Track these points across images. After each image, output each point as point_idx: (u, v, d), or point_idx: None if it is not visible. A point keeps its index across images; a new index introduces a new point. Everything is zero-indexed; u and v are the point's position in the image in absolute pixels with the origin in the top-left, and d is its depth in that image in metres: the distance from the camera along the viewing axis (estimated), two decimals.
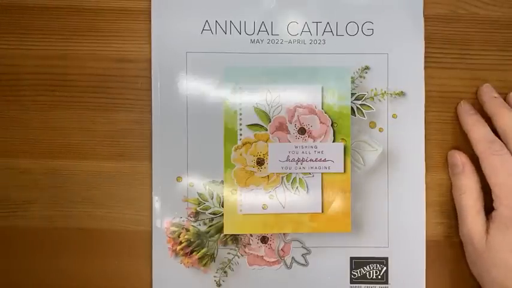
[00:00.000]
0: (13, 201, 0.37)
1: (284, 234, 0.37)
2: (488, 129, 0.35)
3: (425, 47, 0.37)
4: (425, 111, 0.37)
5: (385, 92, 0.37)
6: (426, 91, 0.37)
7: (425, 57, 0.37)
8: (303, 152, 0.36)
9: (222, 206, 0.36)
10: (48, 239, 0.37)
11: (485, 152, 0.34)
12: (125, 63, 0.37)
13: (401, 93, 0.37)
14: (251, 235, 0.37)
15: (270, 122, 0.36)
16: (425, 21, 0.37)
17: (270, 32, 0.37)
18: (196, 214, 0.37)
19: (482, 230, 0.34)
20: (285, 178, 0.36)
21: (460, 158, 0.36)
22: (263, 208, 0.36)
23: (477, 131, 0.35)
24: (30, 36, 0.37)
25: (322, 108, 0.36)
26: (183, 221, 0.37)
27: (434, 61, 0.38)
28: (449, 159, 0.37)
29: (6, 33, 0.37)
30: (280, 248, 0.37)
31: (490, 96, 0.36)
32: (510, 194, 0.33)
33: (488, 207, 0.35)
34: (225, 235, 0.37)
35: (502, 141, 0.34)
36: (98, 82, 0.37)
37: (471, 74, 0.38)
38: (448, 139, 0.38)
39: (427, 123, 0.37)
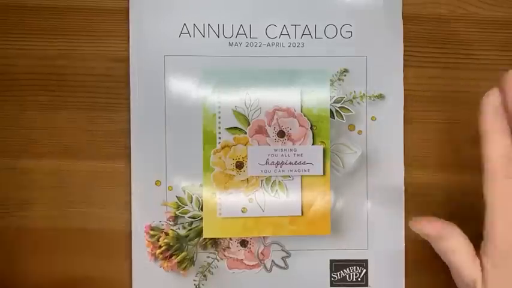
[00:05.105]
0: (12, 201, 0.37)
1: (264, 237, 0.37)
2: (509, 141, 0.27)
3: (425, 47, 0.37)
4: (427, 113, 0.37)
5: (364, 94, 0.37)
6: (425, 91, 0.37)
7: (425, 57, 0.37)
8: (282, 155, 0.36)
9: (201, 210, 0.36)
10: (48, 239, 0.37)
11: (498, 173, 0.27)
12: (123, 63, 0.37)
13: (380, 96, 0.37)
14: (230, 239, 0.37)
15: (249, 125, 0.36)
16: (425, 21, 0.37)
17: (248, 35, 0.37)
18: (176, 218, 0.37)
19: (480, 274, 0.29)
20: (264, 181, 0.36)
21: (429, 228, 0.31)
22: (242, 211, 0.36)
23: (494, 142, 0.27)
24: (28, 36, 0.37)
25: (301, 111, 0.36)
26: (162, 225, 0.37)
27: (434, 61, 0.38)
28: (418, 232, 0.31)
29: (5, 33, 0.37)
30: (260, 252, 0.37)
31: None
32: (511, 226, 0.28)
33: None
34: (205, 239, 0.37)
35: None
36: (97, 82, 0.37)
37: (471, 74, 0.38)
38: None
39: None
